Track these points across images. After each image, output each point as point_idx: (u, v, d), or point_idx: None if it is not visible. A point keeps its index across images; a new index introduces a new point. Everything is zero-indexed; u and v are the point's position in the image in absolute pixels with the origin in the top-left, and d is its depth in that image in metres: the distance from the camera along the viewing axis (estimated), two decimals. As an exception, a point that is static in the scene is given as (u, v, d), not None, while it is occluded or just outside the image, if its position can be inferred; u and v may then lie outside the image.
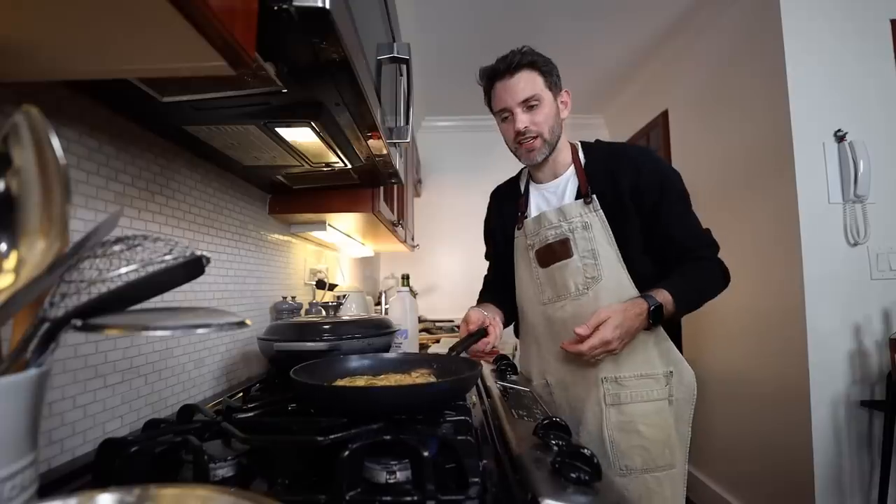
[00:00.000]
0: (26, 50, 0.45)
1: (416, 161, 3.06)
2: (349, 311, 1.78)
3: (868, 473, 1.69)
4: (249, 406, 0.79)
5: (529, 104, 1.04)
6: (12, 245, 0.33)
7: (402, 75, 1.11)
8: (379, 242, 2.31)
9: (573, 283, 1.05)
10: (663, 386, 1.02)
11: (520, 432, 0.66)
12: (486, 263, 1.37)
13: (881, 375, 1.68)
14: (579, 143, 1.14)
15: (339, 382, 0.78)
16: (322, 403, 0.72)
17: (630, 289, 1.02)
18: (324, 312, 1.19)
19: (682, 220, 1.04)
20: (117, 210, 0.75)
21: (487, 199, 1.33)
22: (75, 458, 0.65)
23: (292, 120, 0.78)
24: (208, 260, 0.36)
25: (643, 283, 1.02)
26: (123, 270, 0.34)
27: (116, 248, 0.35)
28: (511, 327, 1.29)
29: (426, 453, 0.52)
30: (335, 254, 2.22)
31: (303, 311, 1.46)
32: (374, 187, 1.37)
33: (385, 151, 0.98)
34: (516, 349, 2.16)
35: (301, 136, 0.86)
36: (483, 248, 1.36)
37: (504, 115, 1.08)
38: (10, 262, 0.32)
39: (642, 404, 1.00)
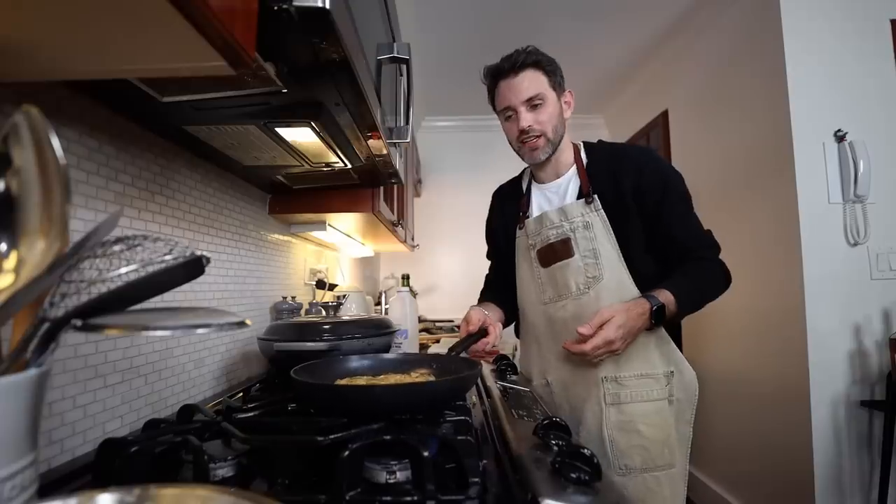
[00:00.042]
0: (26, 50, 0.45)
1: (416, 161, 3.06)
2: (349, 312, 1.78)
3: (868, 473, 1.69)
4: (249, 406, 0.79)
5: (533, 103, 1.04)
6: (12, 245, 0.33)
7: (402, 75, 1.11)
8: (379, 242, 2.31)
9: (574, 283, 1.05)
10: (663, 386, 1.02)
11: (520, 432, 0.66)
12: (487, 263, 1.38)
13: (881, 375, 1.68)
14: (581, 144, 1.15)
15: (340, 382, 0.78)
16: (323, 403, 0.72)
17: (631, 288, 1.02)
18: (324, 312, 1.19)
19: (683, 220, 1.04)
20: (117, 210, 0.75)
21: (487, 199, 1.33)
22: (75, 458, 0.65)
23: (292, 120, 0.78)
24: (208, 260, 0.36)
25: (644, 282, 1.02)
26: (123, 270, 0.34)
27: (116, 248, 0.35)
28: (511, 327, 1.30)
29: (426, 453, 0.52)
30: (335, 254, 2.22)
31: (303, 311, 1.46)
32: (374, 187, 1.37)
33: (385, 151, 0.98)
34: (516, 349, 2.17)
35: (301, 136, 0.86)
36: (484, 248, 1.36)
37: (508, 114, 1.08)
38: (10, 262, 0.32)
39: (642, 404, 1.00)
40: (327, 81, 0.66)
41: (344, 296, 1.69)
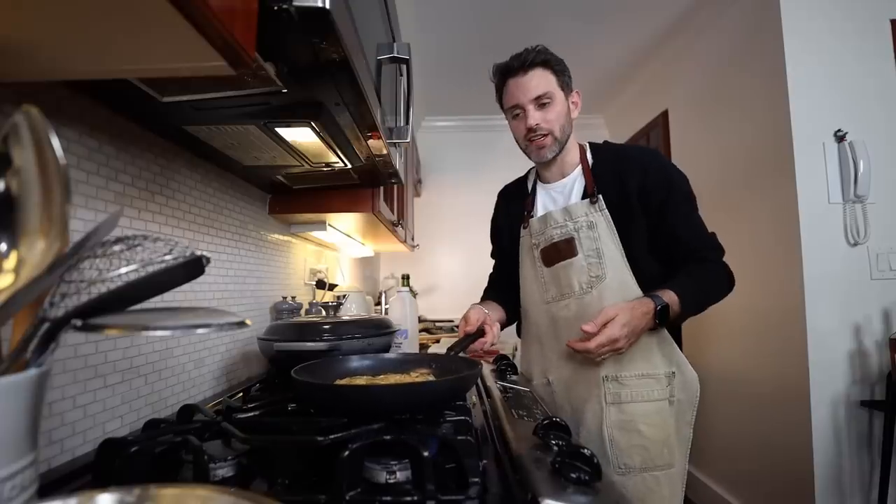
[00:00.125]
0: (26, 50, 0.45)
1: (416, 161, 3.06)
2: (349, 311, 1.78)
3: (868, 473, 1.69)
4: (249, 406, 0.79)
5: (541, 102, 1.04)
6: (12, 245, 0.33)
7: (402, 75, 1.11)
8: (379, 242, 2.31)
9: (577, 282, 1.05)
10: (664, 386, 1.02)
11: (520, 432, 0.66)
12: (487, 262, 1.38)
13: (881, 375, 1.68)
14: (587, 144, 1.15)
15: (340, 382, 0.78)
16: (324, 403, 0.72)
17: (634, 288, 1.02)
18: (324, 312, 1.19)
19: (687, 220, 1.04)
20: (117, 210, 0.75)
21: (487, 199, 1.33)
22: (75, 458, 0.65)
23: (292, 120, 0.78)
24: (208, 260, 0.36)
25: (647, 283, 1.02)
26: (123, 270, 0.34)
27: (116, 248, 0.35)
28: (513, 327, 1.30)
29: (426, 453, 0.52)
30: (335, 254, 2.22)
31: (303, 311, 1.46)
32: (374, 187, 1.37)
33: (385, 151, 0.98)
34: (516, 349, 2.17)
35: (301, 136, 0.86)
36: (484, 247, 1.36)
37: (516, 112, 1.08)
38: (10, 262, 0.32)
39: (643, 404, 1.00)
40: (327, 81, 0.66)
41: (344, 296, 1.69)
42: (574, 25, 2.40)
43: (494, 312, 1.18)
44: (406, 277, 1.64)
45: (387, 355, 0.94)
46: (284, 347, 1.00)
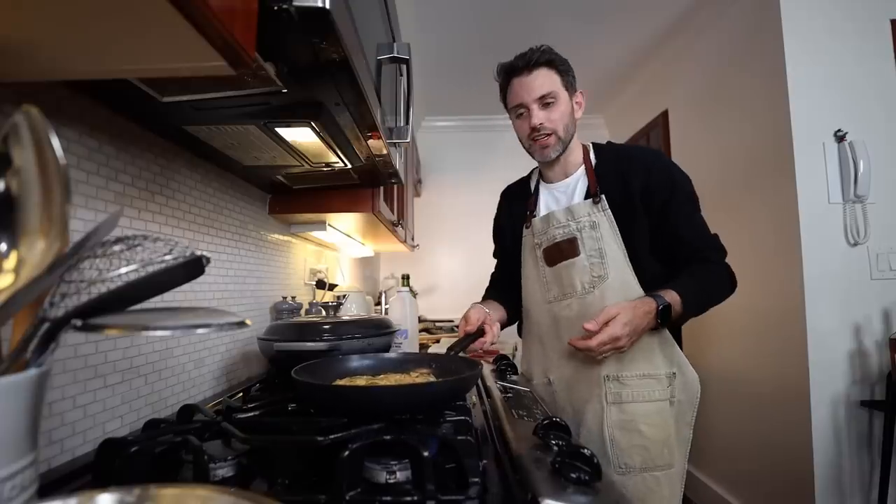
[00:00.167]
0: (26, 50, 0.45)
1: (416, 161, 3.06)
2: (349, 312, 1.78)
3: (868, 473, 1.69)
4: (249, 406, 0.79)
5: (546, 101, 1.05)
6: (12, 245, 0.33)
7: (402, 75, 1.11)
8: (379, 242, 2.31)
9: (579, 282, 1.06)
10: (665, 387, 1.02)
11: (520, 432, 0.66)
12: (487, 262, 1.38)
13: (881, 375, 1.68)
14: (591, 145, 1.15)
15: (340, 382, 0.78)
16: (324, 403, 0.72)
17: (636, 288, 1.02)
18: (324, 312, 1.19)
19: (690, 220, 1.04)
20: (117, 210, 0.75)
21: (487, 199, 1.34)
22: (75, 458, 0.65)
23: (292, 120, 0.78)
24: (208, 260, 0.36)
25: (649, 283, 1.02)
26: (123, 270, 0.34)
27: (116, 248, 0.35)
28: (514, 327, 1.30)
29: (426, 453, 0.52)
30: (335, 254, 2.22)
31: (303, 311, 1.46)
32: (374, 187, 1.37)
33: (385, 151, 0.98)
34: (516, 349, 2.17)
35: (301, 136, 0.86)
36: (484, 247, 1.37)
37: (520, 112, 1.08)
38: (10, 262, 0.32)
39: (644, 404, 1.00)
40: (327, 81, 0.66)
41: (344, 296, 1.69)
42: (574, 25, 2.40)
43: (495, 312, 1.18)
44: (406, 277, 1.64)
45: (387, 355, 0.94)
46: (284, 347, 1.00)
